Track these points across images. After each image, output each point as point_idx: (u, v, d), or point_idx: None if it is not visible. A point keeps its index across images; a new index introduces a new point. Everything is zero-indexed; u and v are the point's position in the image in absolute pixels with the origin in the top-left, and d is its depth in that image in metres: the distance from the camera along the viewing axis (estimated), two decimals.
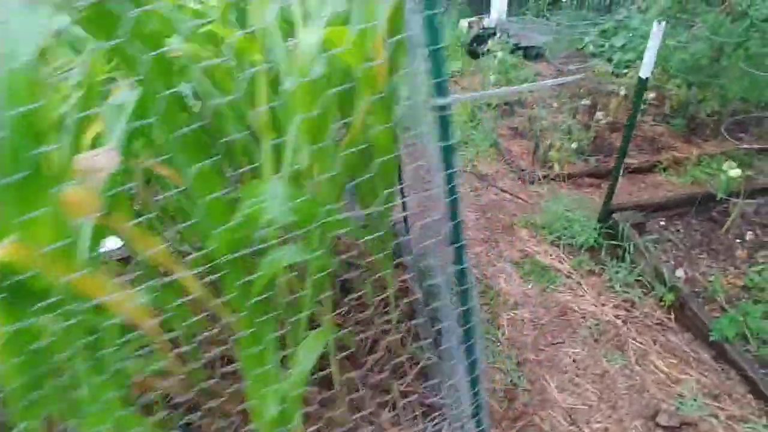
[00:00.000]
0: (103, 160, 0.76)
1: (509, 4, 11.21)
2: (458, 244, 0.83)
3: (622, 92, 4.54)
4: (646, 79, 2.48)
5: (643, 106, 4.69)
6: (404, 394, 1.93)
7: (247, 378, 0.91)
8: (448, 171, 0.74)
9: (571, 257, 3.17)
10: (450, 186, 0.76)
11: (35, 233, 0.60)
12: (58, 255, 0.65)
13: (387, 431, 1.78)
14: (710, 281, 2.69)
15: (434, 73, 0.65)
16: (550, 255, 3.23)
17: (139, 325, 0.74)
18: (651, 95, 4.67)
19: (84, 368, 0.72)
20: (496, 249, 3.34)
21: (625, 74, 4.89)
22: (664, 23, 2.35)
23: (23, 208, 0.60)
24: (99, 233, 0.74)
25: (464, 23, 10.77)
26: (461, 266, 0.78)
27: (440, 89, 0.67)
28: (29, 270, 0.58)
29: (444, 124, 0.70)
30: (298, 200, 0.67)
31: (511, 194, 4.08)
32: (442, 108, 0.68)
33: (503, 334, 2.61)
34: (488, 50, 6.40)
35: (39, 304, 0.64)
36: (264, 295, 0.79)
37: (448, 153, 0.71)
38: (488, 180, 4.36)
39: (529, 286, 2.97)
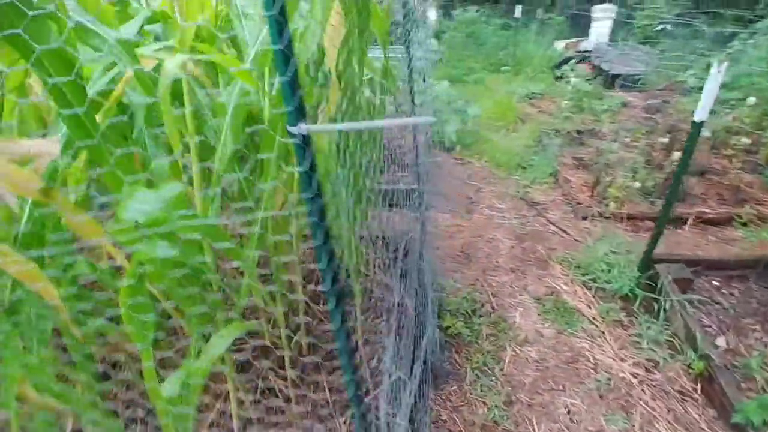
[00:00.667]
0: (48, 146, 0.93)
1: (613, 29, 10.58)
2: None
3: (707, 133, 4.11)
4: (701, 123, 2.24)
5: (732, 152, 4.21)
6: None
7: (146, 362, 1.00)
8: (308, 195, 0.77)
9: (600, 303, 2.95)
10: (311, 208, 0.79)
11: None
12: None
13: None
14: (755, 356, 2.36)
15: (286, 100, 0.71)
16: (579, 297, 3.03)
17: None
18: (745, 140, 4.16)
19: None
20: (522, 281, 3.21)
21: (716, 113, 4.41)
22: (726, 65, 2.12)
23: None
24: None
25: (560, 44, 10.35)
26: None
27: (291, 117, 0.72)
28: None
29: (300, 152, 0.74)
30: (156, 206, 0.75)
31: (557, 227, 3.88)
32: (294, 137, 0.73)
33: (501, 369, 2.51)
34: (562, 75, 6.11)
35: None
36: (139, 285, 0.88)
37: (306, 178, 0.75)
38: (538, 209, 4.19)
39: (546, 325, 2.82)
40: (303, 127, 0.70)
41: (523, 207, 4.24)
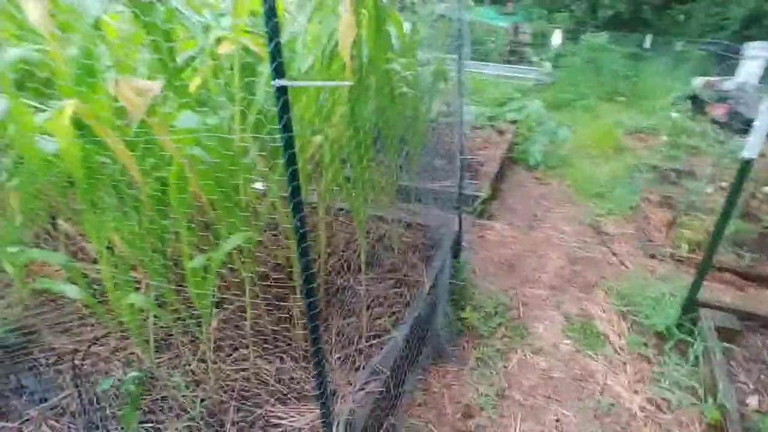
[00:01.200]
0: (152, 85, 1.42)
1: (767, 69, 9.45)
2: (300, 233, 1.18)
3: None
4: (749, 161, 2.15)
5: None
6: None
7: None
8: (288, 154, 1.13)
9: (632, 334, 2.88)
10: (289, 171, 1.13)
11: (100, 104, 1.28)
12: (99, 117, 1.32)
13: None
14: None
15: (270, 63, 1.08)
16: (611, 325, 2.98)
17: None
18: None
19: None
20: (558, 298, 3.24)
21: None
22: None
23: (98, 92, 1.29)
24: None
25: (699, 81, 9.50)
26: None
27: (273, 75, 1.09)
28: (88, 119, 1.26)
29: (277, 99, 1.11)
30: (194, 122, 1.16)
31: (618, 259, 3.77)
32: (280, 89, 1.10)
33: (505, 367, 2.63)
34: (679, 111, 5.71)
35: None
36: None
37: (280, 118, 1.12)
38: (604, 238, 4.09)
39: (565, 342, 2.85)
40: (279, 81, 1.07)
41: (588, 233, 4.17)
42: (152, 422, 1.89)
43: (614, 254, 3.85)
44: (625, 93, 8.11)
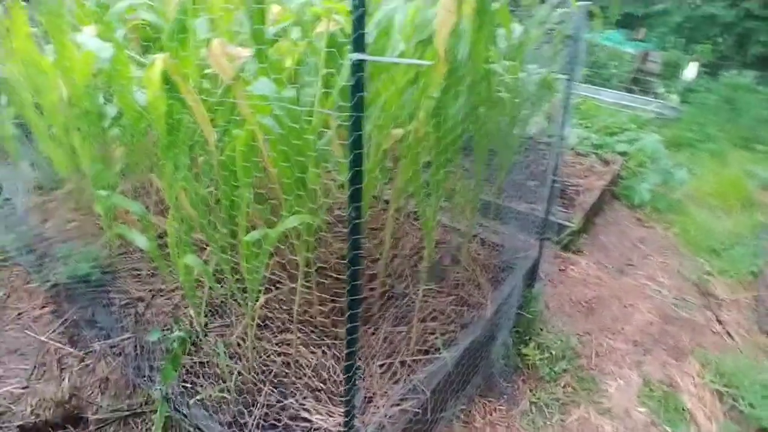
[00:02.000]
0: (243, 52, 1.42)
1: None
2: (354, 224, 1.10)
3: None
4: None
5: None
6: None
7: None
8: (354, 136, 1.04)
9: (726, 421, 2.41)
10: (353, 154, 1.04)
11: (188, 62, 1.30)
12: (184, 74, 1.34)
13: None
14: None
15: (353, 34, 0.99)
16: (702, 404, 2.52)
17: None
18: None
19: None
20: (639, 357, 2.83)
21: None
22: None
23: (185, 49, 1.30)
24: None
25: None
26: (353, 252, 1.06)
27: (352, 48, 1.00)
28: (177, 76, 1.28)
29: (352, 73, 1.02)
30: (270, 90, 1.12)
31: (724, 328, 3.22)
32: (358, 65, 1.01)
33: (562, 420, 2.33)
34: None
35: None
36: None
37: (352, 94, 1.03)
38: (710, 301, 3.52)
39: (640, 410, 2.46)
40: (355, 56, 0.98)
41: (691, 292, 3.61)
42: (191, 383, 1.93)
43: (720, 322, 3.28)
44: (767, 142, 7.00)
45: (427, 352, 2.14)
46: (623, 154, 5.34)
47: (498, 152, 2.35)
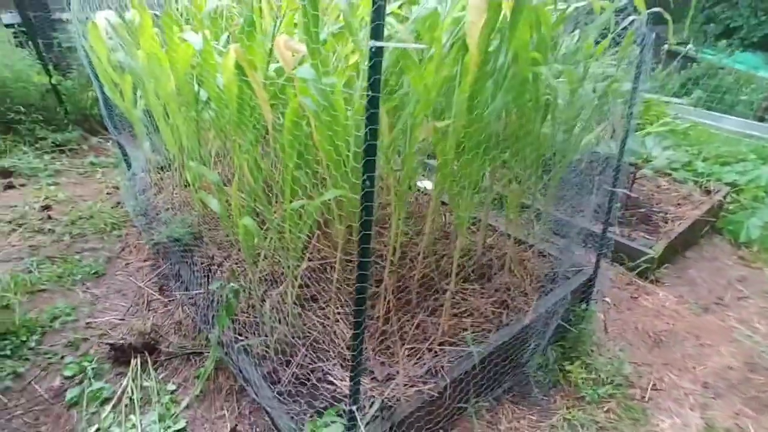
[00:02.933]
0: (302, 47, 1.67)
1: None
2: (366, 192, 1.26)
3: None
4: None
5: None
6: None
7: None
8: (369, 113, 1.19)
9: None
10: (368, 129, 1.20)
11: (253, 51, 1.57)
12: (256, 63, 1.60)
13: None
14: None
15: (372, 23, 1.15)
16: None
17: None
18: None
19: None
20: (708, 400, 2.55)
21: None
22: None
23: (252, 41, 1.57)
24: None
25: None
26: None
27: (371, 35, 1.16)
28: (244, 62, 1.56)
29: (370, 59, 1.18)
30: (310, 75, 1.31)
31: None
32: (375, 51, 1.17)
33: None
34: None
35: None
36: None
37: (369, 75, 1.19)
38: None
39: None
40: (375, 43, 1.15)
41: None
42: (244, 336, 2.21)
43: None
44: None
45: (456, 345, 2.20)
46: (732, 185, 4.78)
47: (555, 160, 2.34)
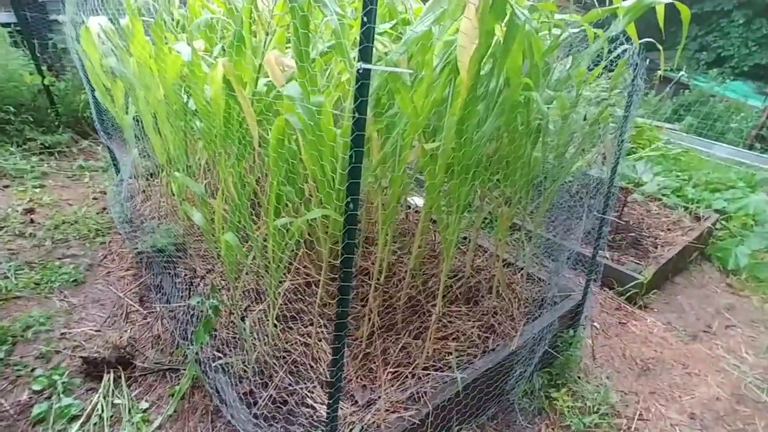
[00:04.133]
0: (293, 63, 1.65)
1: None
2: (349, 214, 1.21)
3: None
4: None
5: None
6: None
7: None
8: (355, 134, 1.16)
9: None
10: (354, 151, 1.17)
11: (242, 66, 1.55)
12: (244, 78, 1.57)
13: None
14: None
15: (360, 46, 1.13)
16: None
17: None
18: None
19: None
20: None
21: None
22: None
23: (240, 56, 1.54)
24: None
25: None
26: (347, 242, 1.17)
27: (359, 57, 1.13)
28: (231, 77, 1.54)
29: (356, 81, 1.16)
30: (296, 93, 1.29)
31: None
32: (363, 73, 1.15)
33: None
34: None
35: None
36: None
37: (356, 98, 1.16)
38: None
39: None
40: (360, 65, 1.13)
41: None
42: (223, 353, 2.15)
43: None
44: None
45: (440, 369, 2.15)
46: (721, 212, 4.81)
47: (545, 184, 2.32)
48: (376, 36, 1.58)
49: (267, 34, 1.62)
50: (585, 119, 2.07)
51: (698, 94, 9.27)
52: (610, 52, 2.13)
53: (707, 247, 4.52)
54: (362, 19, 1.11)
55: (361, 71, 1.13)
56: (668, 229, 4.40)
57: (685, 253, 4.09)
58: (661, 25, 1.78)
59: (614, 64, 2.12)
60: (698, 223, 4.50)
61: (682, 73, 9.94)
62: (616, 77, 2.04)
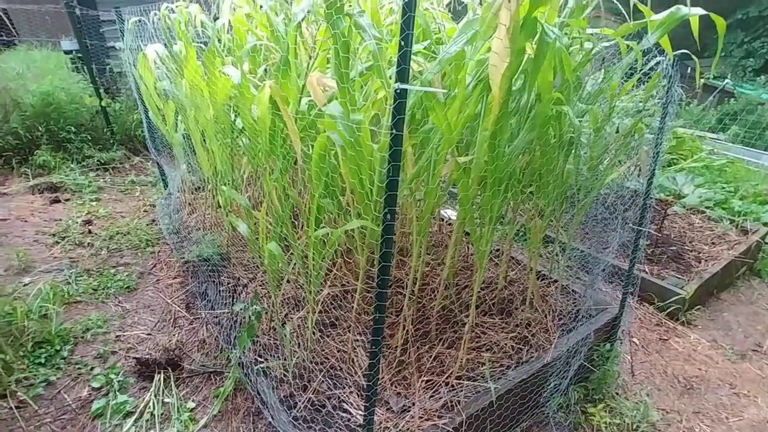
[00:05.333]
0: (333, 84, 1.76)
1: None
2: (386, 225, 1.30)
3: None
4: None
5: None
6: None
7: None
8: (393, 150, 1.24)
9: None
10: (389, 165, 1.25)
11: (287, 87, 1.66)
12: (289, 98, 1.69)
13: None
14: None
15: (397, 68, 1.22)
16: None
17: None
18: None
19: None
20: None
21: None
22: None
23: (285, 78, 1.66)
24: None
25: None
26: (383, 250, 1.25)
27: (397, 78, 1.22)
28: (277, 97, 1.66)
29: (394, 100, 1.24)
30: (338, 111, 1.39)
31: None
32: (400, 93, 1.23)
33: None
34: None
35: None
36: None
37: (393, 117, 1.25)
38: None
39: None
40: (398, 85, 1.22)
41: None
42: (264, 357, 2.26)
43: None
44: None
45: (473, 379, 2.17)
46: None
47: (579, 196, 2.33)
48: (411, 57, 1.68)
49: (310, 58, 1.74)
50: (618, 131, 2.08)
51: (745, 102, 8.89)
52: (645, 63, 2.14)
53: (756, 262, 4.32)
54: (400, 43, 1.20)
55: (398, 91, 1.22)
56: (712, 243, 4.24)
57: (731, 268, 3.93)
58: (696, 36, 1.79)
59: (649, 76, 2.13)
60: (745, 236, 4.31)
61: (726, 81, 9.57)
62: (649, 89, 2.04)
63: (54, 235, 3.84)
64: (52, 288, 2.96)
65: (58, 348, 2.56)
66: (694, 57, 1.95)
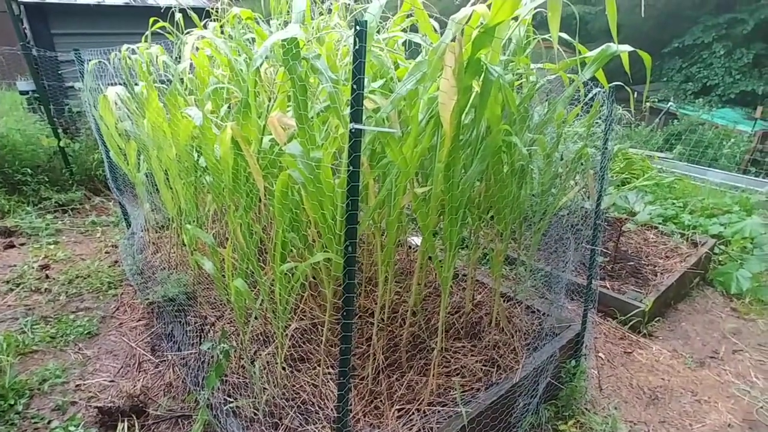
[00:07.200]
0: (291, 121, 1.82)
1: None
2: (348, 257, 1.34)
3: None
4: None
5: None
6: None
7: None
8: (351, 185, 1.31)
9: None
10: (350, 200, 1.31)
11: (248, 128, 1.72)
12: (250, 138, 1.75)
13: None
14: None
15: (351, 109, 1.30)
16: None
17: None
18: None
19: None
20: None
21: None
22: None
23: (246, 120, 1.73)
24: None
25: None
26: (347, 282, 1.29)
27: (351, 118, 1.30)
28: (239, 138, 1.71)
29: (350, 139, 1.32)
30: (297, 151, 1.45)
31: None
32: (355, 132, 1.30)
33: None
34: None
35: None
36: None
37: (349, 154, 1.31)
38: None
39: None
40: (353, 125, 1.29)
41: None
42: (234, 398, 2.21)
43: None
44: None
45: (445, 405, 2.19)
46: (718, 236, 4.89)
47: (533, 219, 2.45)
48: (367, 94, 1.77)
49: (269, 99, 1.81)
50: (562, 159, 2.22)
51: (687, 123, 9.54)
52: (587, 93, 2.32)
53: (708, 272, 4.57)
54: (352, 86, 1.28)
55: (353, 131, 1.30)
56: (666, 257, 4.47)
57: (685, 279, 4.15)
58: (627, 69, 1.96)
59: (590, 106, 2.31)
60: (695, 249, 4.57)
61: (670, 103, 10.27)
62: (590, 118, 2.21)
63: (8, 282, 3.67)
64: (6, 338, 2.82)
65: (12, 402, 2.42)
66: (627, 88, 2.13)
